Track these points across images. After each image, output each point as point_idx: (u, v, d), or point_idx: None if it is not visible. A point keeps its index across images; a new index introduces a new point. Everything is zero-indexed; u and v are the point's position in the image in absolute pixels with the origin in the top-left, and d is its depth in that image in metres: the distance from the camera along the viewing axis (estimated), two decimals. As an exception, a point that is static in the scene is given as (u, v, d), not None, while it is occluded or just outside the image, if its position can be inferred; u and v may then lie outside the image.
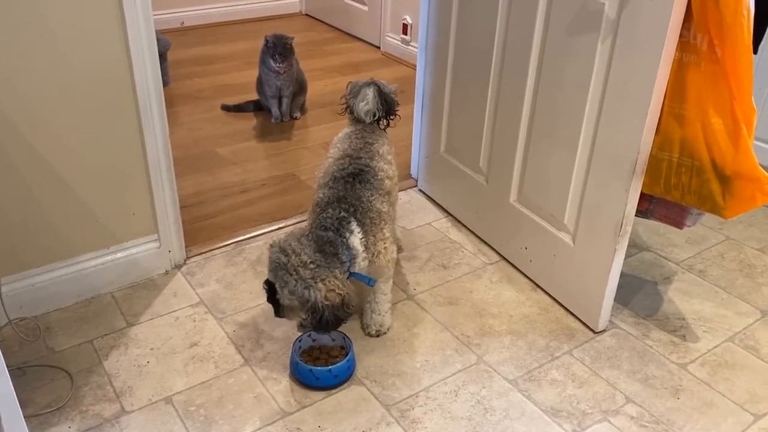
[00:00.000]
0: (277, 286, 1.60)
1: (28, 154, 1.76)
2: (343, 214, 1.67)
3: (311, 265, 1.57)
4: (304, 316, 1.61)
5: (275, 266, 1.59)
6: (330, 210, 1.68)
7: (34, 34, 1.65)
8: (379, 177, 1.81)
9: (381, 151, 1.90)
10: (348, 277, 1.66)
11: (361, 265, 1.69)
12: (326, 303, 1.57)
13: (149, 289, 2.05)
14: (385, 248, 1.74)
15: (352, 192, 1.72)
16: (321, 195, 1.76)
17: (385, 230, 1.74)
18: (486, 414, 1.67)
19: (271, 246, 1.63)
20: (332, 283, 1.58)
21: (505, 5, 1.97)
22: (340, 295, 1.58)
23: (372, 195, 1.74)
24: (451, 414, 1.67)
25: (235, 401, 1.68)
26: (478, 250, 2.30)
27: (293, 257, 1.57)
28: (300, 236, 1.62)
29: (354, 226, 1.66)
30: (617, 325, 1.98)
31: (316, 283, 1.56)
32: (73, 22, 1.69)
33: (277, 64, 3.03)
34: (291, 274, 1.57)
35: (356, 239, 1.66)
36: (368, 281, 1.72)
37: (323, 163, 1.91)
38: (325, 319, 1.58)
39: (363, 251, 1.67)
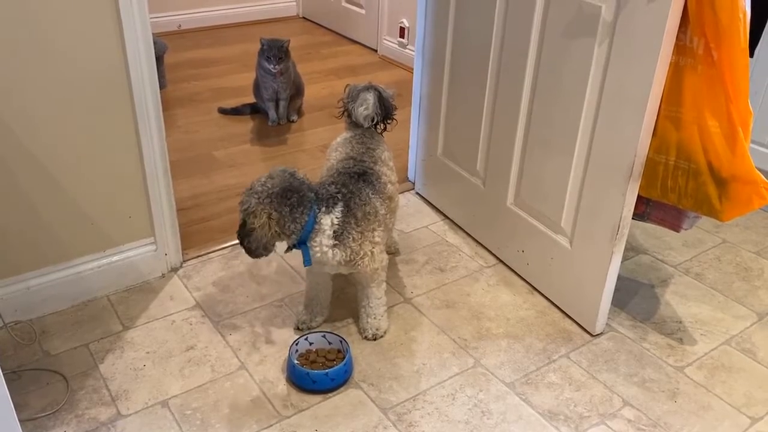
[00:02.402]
0: (240, 208, 1.66)
1: (24, 157, 1.75)
2: (339, 195, 1.68)
3: (263, 195, 1.61)
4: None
5: (249, 185, 1.66)
6: (332, 186, 1.70)
7: (29, 38, 1.65)
8: (382, 181, 1.81)
9: (383, 157, 1.90)
10: (293, 246, 1.68)
11: (327, 251, 1.67)
12: (251, 227, 1.60)
13: (145, 293, 2.04)
14: (372, 252, 1.73)
15: (355, 185, 1.73)
16: (327, 179, 1.77)
17: (376, 233, 1.74)
18: (483, 417, 1.67)
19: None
20: (272, 218, 1.60)
21: (501, 8, 1.98)
22: (269, 235, 1.61)
23: (373, 194, 1.74)
24: (448, 417, 1.66)
25: (232, 405, 1.68)
26: (475, 253, 2.30)
27: (264, 180, 1.63)
28: (286, 173, 1.66)
29: (338, 209, 1.66)
30: (614, 328, 1.98)
31: (257, 206, 1.60)
32: (69, 25, 1.68)
33: (273, 67, 3.03)
34: (249, 193, 1.63)
35: (328, 220, 1.65)
36: (307, 261, 1.70)
37: (324, 165, 1.91)
38: (242, 238, 1.64)
39: (330, 233, 1.66)
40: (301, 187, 1.64)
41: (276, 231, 1.62)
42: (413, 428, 1.63)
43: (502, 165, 2.13)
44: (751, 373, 1.84)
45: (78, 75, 1.74)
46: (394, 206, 1.89)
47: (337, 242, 1.67)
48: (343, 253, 1.68)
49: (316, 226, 1.65)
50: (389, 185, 1.84)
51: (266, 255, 1.66)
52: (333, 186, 1.70)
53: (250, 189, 1.64)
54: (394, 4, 3.99)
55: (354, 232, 1.68)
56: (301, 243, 1.67)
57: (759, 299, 2.13)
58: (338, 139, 1.98)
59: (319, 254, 1.68)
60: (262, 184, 1.63)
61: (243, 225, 1.64)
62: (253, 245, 1.63)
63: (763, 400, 1.75)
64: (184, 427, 1.61)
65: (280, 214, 1.61)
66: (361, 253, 1.70)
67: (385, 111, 1.95)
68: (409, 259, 2.25)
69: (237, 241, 2.24)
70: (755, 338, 1.97)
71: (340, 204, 1.66)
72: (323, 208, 1.65)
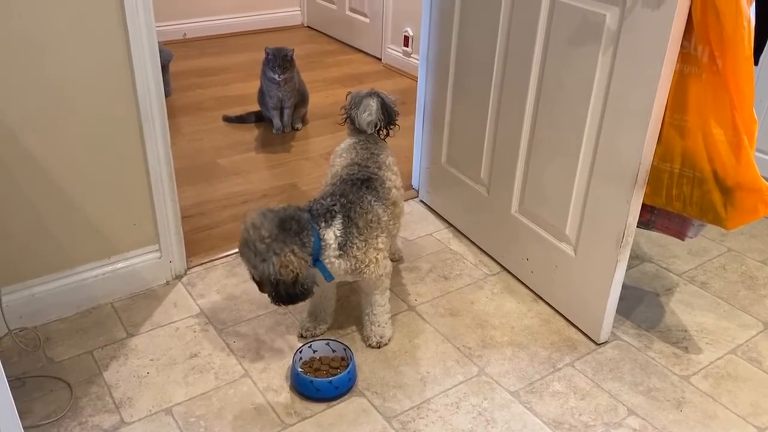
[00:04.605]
0: (243, 260, 1.61)
1: (29, 164, 1.76)
2: (335, 207, 1.66)
3: (267, 239, 1.55)
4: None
5: (240, 243, 1.60)
6: (327, 199, 1.68)
7: (35, 45, 1.66)
8: (386, 186, 1.81)
9: (387, 162, 1.91)
10: (312, 264, 1.64)
11: (334, 262, 1.66)
12: (279, 278, 1.55)
13: (150, 300, 2.05)
14: (376, 259, 1.72)
15: (356, 193, 1.72)
16: (326, 190, 1.76)
17: (380, 239, 1.73)
18: (488, 426, 1.66)
19: (243, 222, 1.62)
20: (287, 258, 1.55)
21: (506, 16, 1.98)
22: (294, 272, 1.56)
23: (376, 201, 1.74)
24: (452, 426, 1.66)
25: (235, 412, 1.67)
26: (479, 261, 2.29)
27: (252, 231, 1.57)
28: (266, 210, 1.61)
29: (338, 221, 1.65)
30: (619, 336, 1.97)
31: (270, 256, 1.55)
32: (75, 33, 1.69)
33: (278, 76, 3.04)
34: (250, 249, 1.57)
35: (331, 234, 1.64)
36: (327, 276, 1.69)
37: (328, 171, 1.92)
38: (279, 293, 1.58)
39: (335, 246, 1.64)
40: (293, 212, 1.61)
41: (304, 262, 1.58)
42: (417, 437, 1.63)
43: (506, 173, 2.13)
44: (757, 383, 1.83)
45: (83, 83, 1.75)
46: (398, 212, 1.89)
47: (341, 252, 1.66)
48: (348, 263, 1.68)
49: (322, 243, 1.64)
50: (393, 190, 1.84)
51: (311, 294, 1.62)
52: (328, 199, 1.69)
53: (246, 244, 1.57)
54: (398, 13, 4.00)
55: (357, 241, 1.67)
56: (316, 261, 1.66)
57: (765, 308, 2.12)
58: (342, 145, 1.98)
59: (328, 267, 1.68)
60: (256, 230, 1.56)
61: (267, 282, 1.57)
62: (295, 289, 1.58)
63: (769, 410, 1.74)
64: (187, 435, 1.61)
65: (295, 244, 1.57)
66: (366, 260, 1.70)
67: (388, 117, 1.96)
68: (413, 267, 2.25)
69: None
70: (761, 347, 1.96)
71: (339, 216, 1.66)
72: (322, 224, 1.64)
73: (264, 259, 1.55)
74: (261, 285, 1.63)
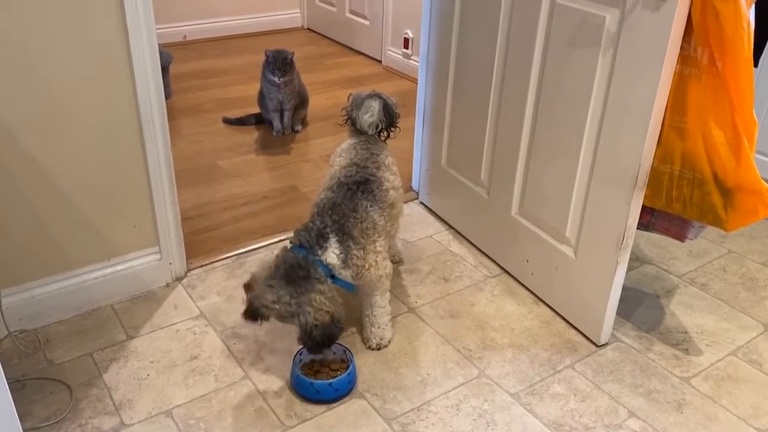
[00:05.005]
0: (271, 318, 1.65)
1: (29, 166, 1.76)
2: (327, 229, 1.67)
3: (293, 300, 1.59)
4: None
5: (260, 308, 1.62)
6: (316, 221, 1.69)
7: (35, 46, 1.66)
8: (384, 187, 1.81)
9: (387, 162, 1.91)
10: (331, 283, 1.67)
11: (343, 274, 1.69)
12: (316, 323, 1.58)
13: (150, 302, 2.04)
14: (376, 261, 1.73)
15: (350, 201, 1.72)
16: (322, 196, 1.77)
17: (378, 243, 1.74)
18: (488, 428, 1.66)
19: (248, 291, 1.65)
20: (319, 301, 1.59)
21: (506, 18, 1.98)
22: (329, 312, 1.60)
23: (371, 206, 1.74)
24: (452, 428, 1.65)
25: (236, 414, 1.67)
26: (479, 262, 2.29)
27: (272, 306, 1.60)
28: (268, 279, 1.62)
29: (332, 241, 1.66)
30: (619, 338, 1.97)
31: (303, 310, 1.58)
32: (75, 35, 1.69)
33: (278, 79, 3.04)
34: (285, 317, 1.61)
35: (332, 254, 1.66)
36: (349, 287, 1.73)
37: (327, 171, 1.92)
38: (316, 340, 1.60)
39: (341, 263, 1.67)
40: (290, 259, 1.63)
41: (332, 297, 1.62)
42: (417, 439, 1.62)
43: (506, 175, 2.13)
44: (758, 384, 1.83)
45: (83, 84, 1.75)
46: (396, 213, 1.89)
47: (343, 265, 1.68)
48: (350, 271, 1.70)
49: (329, 266, 1.66)
50: (391, 191, 1.84)
51: (343, 330, 1.66)
52: (317, 221, 1.68)
53: (270, 306, 1.60)
54: (398, 15, 4.01)
55: (356, 251, 1.69)
56: (332, 279, 1.68)
57: (765, 310, 2.12)
58: (342, 146, 1.98)
59: (340, 277, 1.70)
60: (274, 303, 1.59)
61: (305, 333, 1.60)
62: (331, 330, 1.61)
63: (770, 412, 1.74)
64: (187, 437, 1.61)
65: (314, 288, 1.60)
66: (366, 265, 1.71)
67: (389, 118, 1.96)
68: (413, 269, 2.25)
69: (242, 252, 2.28)
70: (761, 349, 1.96)
71: (332, 235, 1.67)
72: (319, 251, 1.65)
73: (295, 313, 1.59)
74: (306, 338, 1.65)
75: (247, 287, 1.66)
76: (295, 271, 1.61)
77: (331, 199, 1.73)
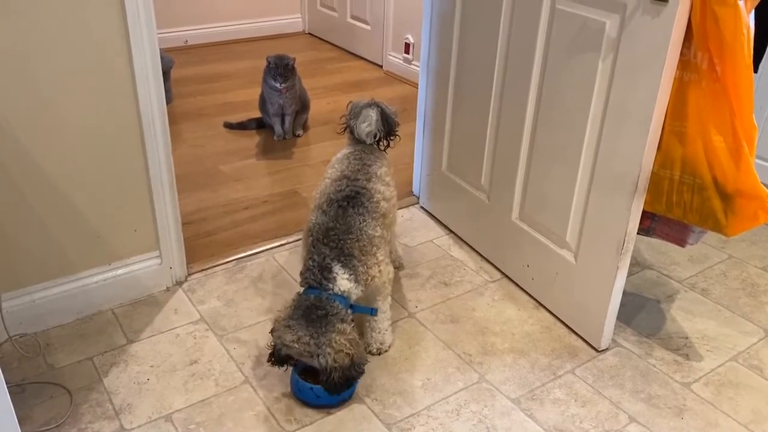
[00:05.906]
0: (300, 361, 1.66)
1: (30, 171, 1.76)
2: (326, 259, 1.66)
3: (312, 341, 1.58)
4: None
5: (281, 348, 1.63)
6: (314, 256, 1.68)
7: (36, 52, 1.66)
8: (374, 200, 1.80)
9: (379, 173, 1.89)
10: (352, 312, 1.68)
11: (356, 292, 1.70)
12: (335, 365, 1.58)
13: (150, 306, 2.05)
14: (379, 271, 1.74)
15: (342, 220, 1.72)
16: (314, 219, 1.76)
17: (378, 254, 1.75)
18: (488, 433, 1.66)
19: (274, 337, 1.65)
20: (339, 343, 1.59)
21: (506, 23, 1.99)
22: (349, 354, 1.59)
23: (364, 221, 1.73)
24: (452, 433, 1.65)
25: (236, 419, 1.67)
26: (479, 267, 2.29)
27: (293, 345, 1.59)
28: (287, 319, 1.62)
29: (337, 269, 1.66)
30: (620, 343, 1.97)
31: (323, 351, 1.58)
32: (77, 39, 1.70)
33: (279, 85, 3.05)
34: (305, 357, 1.61)
35: (343, 281, 1.66)
36: (371, 311, 1.76)
37: (320, 183, 1.91)
38: (335, 382, 1.60)
39: (354, 285, 1.67)
40: (304, 302, 1.63)
41: (353, 339, 1.62)
42: (417, 444, 1.62)
43: (506, 179, 2.13)
44: (759, 390, 1.82)
45: (85, 89, 1.76)
46: (389, 222, 1.88)
47: (356, 284, 1.69)
48: (360, 285, 1.70)
49: (345, 295, 1.66)
50: (383, 202, 1.82)
51: (363, 373, 1.66)
52: (315, 256, 1.68)
53: (289, 345, 1.60)
54: (399, 21, 4.02)
55: (360, 268, 1.69)
56: (352, 309, 1.69)
57: (766, 315, 2.12)
58: (337, 155, 1.98)
59: (354, 299, 1.71)
60: (293, 343, 1.59)
61: (325, 374, 1.59)
62: (351, 372, 1.61)
63: (770, 417, 1.74)
64: (187, 442, 1.60)
65: (334, 328, 1.60)
66: (371, 276, 1.72)
67: (388, 127, 1.95)
68: (414, 274, 2.25)
69: (242, 256, 2.28)
70: (762, 354, 1.95)
71: (335, 263, 1.66)
72: (330, 285, 1.65)
73: (315, 354, 1.58)
74: (328, 382, 1.64)
75: (272, 331, 1.66)
76: (313, 311, 1.61)
77: (323, 224, 1.72)
